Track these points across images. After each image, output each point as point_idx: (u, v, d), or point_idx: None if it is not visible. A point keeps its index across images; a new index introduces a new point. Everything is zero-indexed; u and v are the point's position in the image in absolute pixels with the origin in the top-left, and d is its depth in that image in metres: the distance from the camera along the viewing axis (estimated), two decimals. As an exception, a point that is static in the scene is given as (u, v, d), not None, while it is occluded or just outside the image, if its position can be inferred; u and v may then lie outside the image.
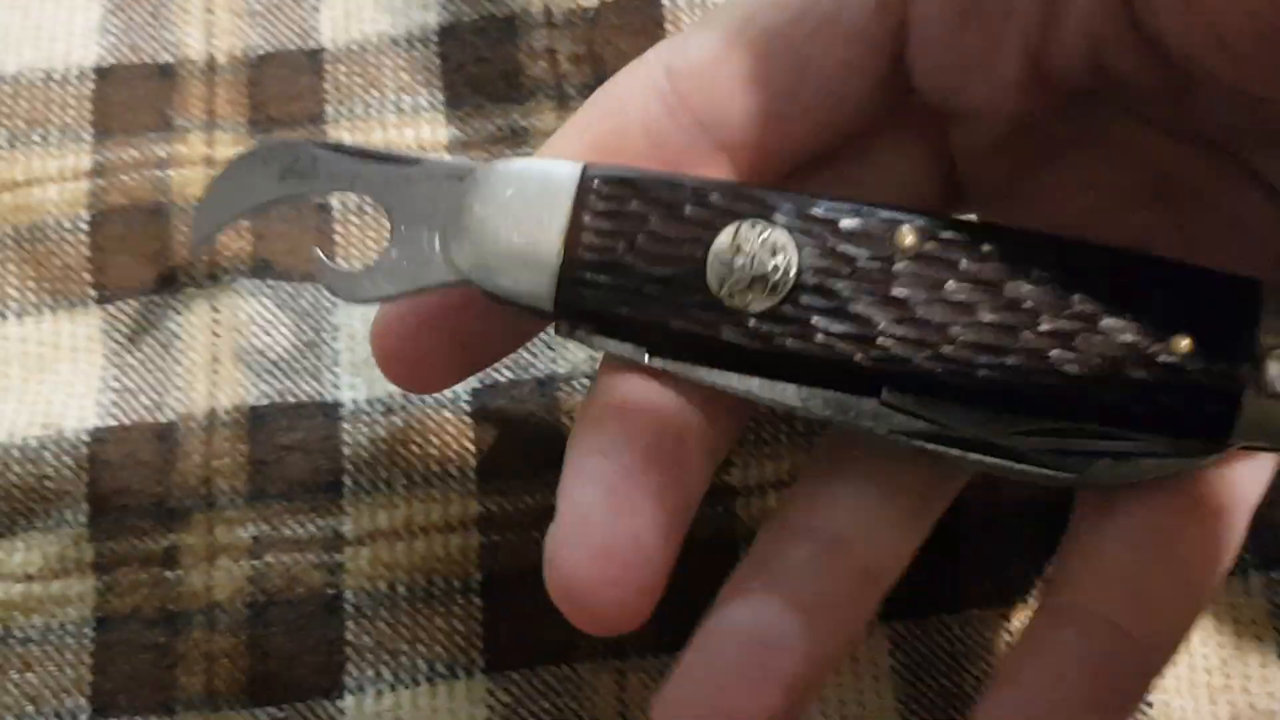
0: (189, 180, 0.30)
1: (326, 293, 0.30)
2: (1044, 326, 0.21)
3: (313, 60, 0.32)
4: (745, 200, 0.22)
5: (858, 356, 0.21)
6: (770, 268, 0.21)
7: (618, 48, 0.31)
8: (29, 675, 0.27)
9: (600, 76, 0.31)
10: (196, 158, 0.31)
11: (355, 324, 0.29)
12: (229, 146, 0.31)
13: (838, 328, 0.21)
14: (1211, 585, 0.24)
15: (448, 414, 0.29)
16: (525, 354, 0.29)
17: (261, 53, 0.32)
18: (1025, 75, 0.23)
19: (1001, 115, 0.24)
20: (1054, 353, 0.21)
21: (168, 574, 0.28)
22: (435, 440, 0.28)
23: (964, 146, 0.25)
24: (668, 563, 0.22)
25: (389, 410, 0.29)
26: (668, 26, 0.31)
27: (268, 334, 0.29)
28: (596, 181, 0.22)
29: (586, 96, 0.30)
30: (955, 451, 0.22)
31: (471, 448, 0.28)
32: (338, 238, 0.30)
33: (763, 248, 0.22)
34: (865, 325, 0.21)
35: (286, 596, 0.27)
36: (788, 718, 0.22)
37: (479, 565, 0.27)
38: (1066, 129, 0.24)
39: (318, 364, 0.29)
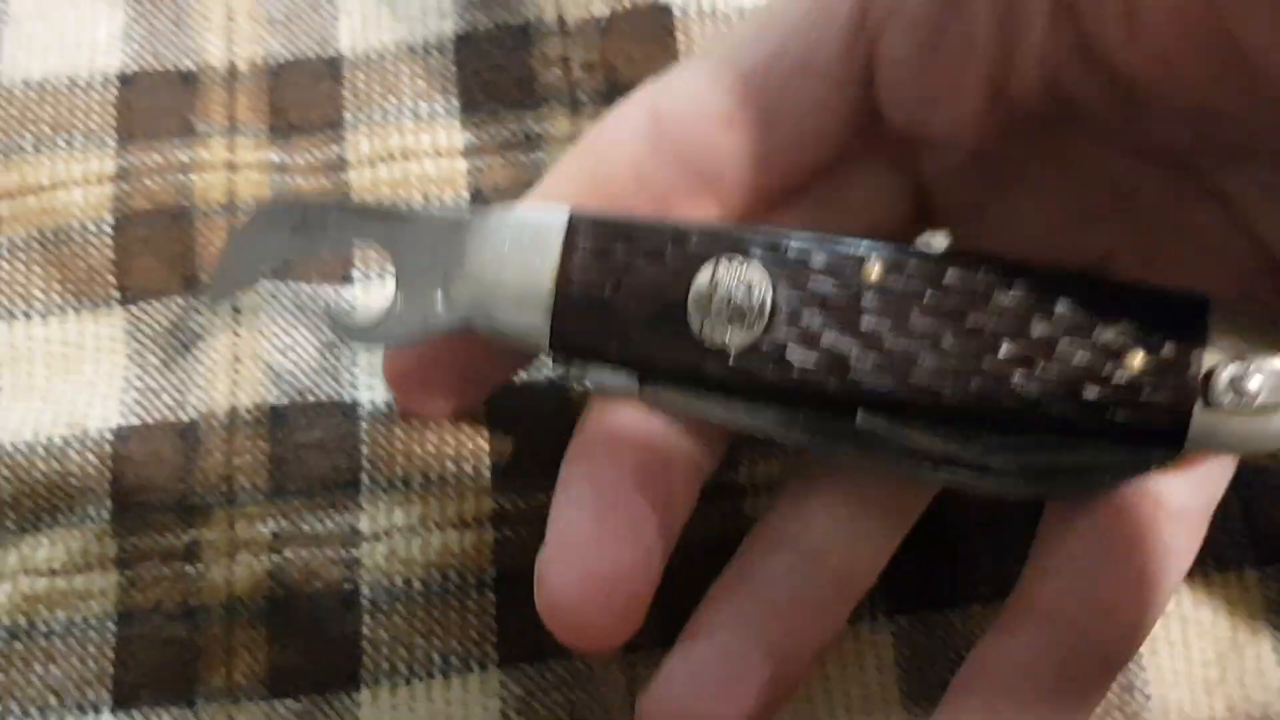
0: (211, 185, 0.31)
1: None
2: (1005, 352, 0.22)
3: (331, 67, 0.32)
4: (722, 241, 0.23)
5: (831, 385, 0.23)
6: (746, 305, 0.23)
7: (629, 55, 0.32)
8: (52, 668, 0.27)
9: (612, 83, 0.31)
10: (218, 162, 0.31)
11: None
12: (250, 151, 0.31)
13: (812, 359, 0.23)
14: (1169, 585, 0.25)
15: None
16: (538, 354, 0.29)
17: (282, 60, 0.32)
18: (987, 104, 0.24)
19: (966, 141, 0.25)
20: (1015, 376, 0.22)
21: (189, 569, 0.28)
22: (450, 439, 0.29)
23: (933, 171, 0.26)
24: (650, 585, 0.23)
25: (405, 411, 0.29)
26: (678, 35, 0.32)
27: (288, 334, 0.29)
28: (582, 228, 0.23)
29: (599, 103, 0.31)
30: (926, 467, 0.24)
31: (485, 446, 0.28)
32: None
33: (739, 286, 0.23)
34: (837, 356, 0.23)
35: (305, 591, 0.28)
36: (765, 716, 0.24)
37: (493, 561, 0.28)
38: (1029, 151, 0.25)
39: (336, 365, 0.29)
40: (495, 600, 0.28)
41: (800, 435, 0.24)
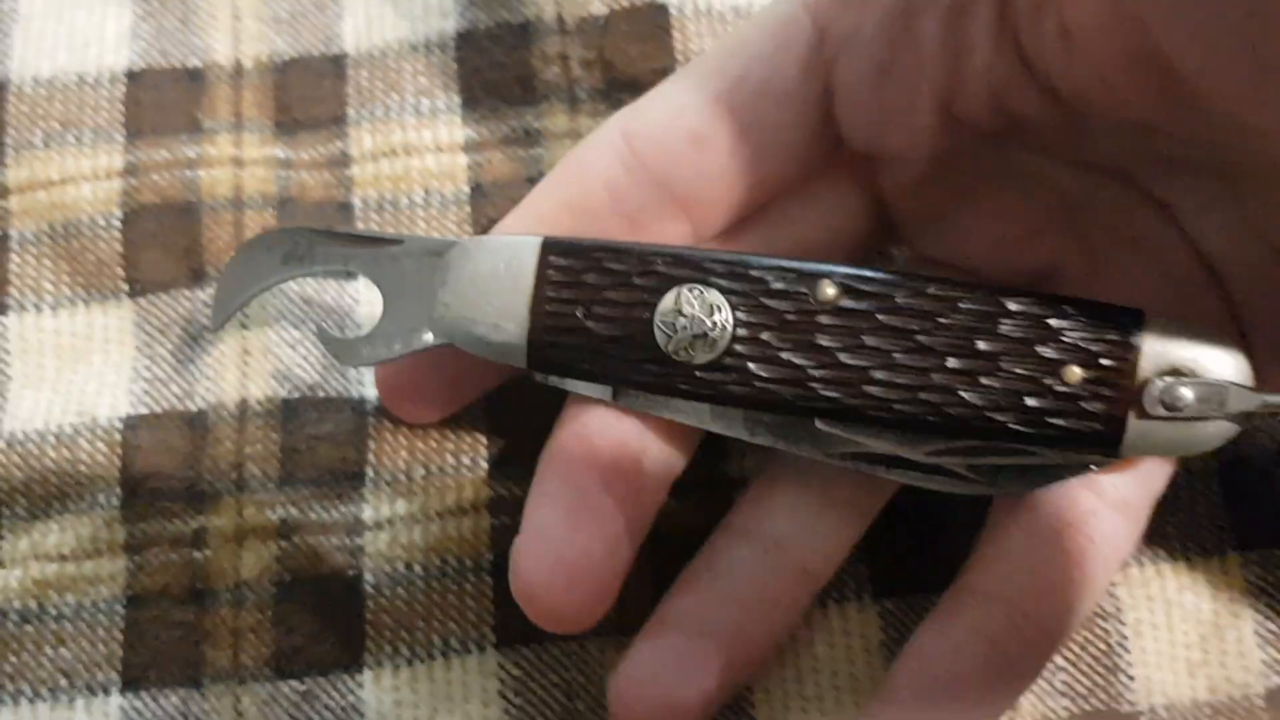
0: (217, 180, 0.31)
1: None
2: (951, 365, 0.24)
3: (336, 65, 0.32)
4: (686, 265, 0.24)
5: (790, 397, 0.24)
6: (709, 325, 0.24)
7: (627, 53, 0.32)
8: (63, 650, 0.28)
9: (610, 81, 0.32)
10: (224, 158, 0.31)
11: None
12: (256, 147, 0.31)
13: (772, 374, 0.24)
14: (1108, 571, 0.26)
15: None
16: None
17: (287, 58, 0.33)
18: (938, 122, 0.25)
19: (920, 157, 0.26)
20: (961, 388, 0.24)
21: (196, 554, 0.28)
22: (450, 431, 0.29)
23: (891, 186, 0.27)
24: (617, 572, 0.25)
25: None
26: (674, 33, 0.32)
27: (296, 329, 0.30)
28: (554, 255, 0.25)
29: (597, 100, 0.32)
30: (881, 468, 0.25)
31: (483, 436, 0.29)
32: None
33: (702, 308, 0.24)
34: (796, 370, 0.24)
35: (310, 576, 0.28)
36: (724, 696, 0.25)
37: (490, 546, 0.28)
38: (980, 167, 0.26)
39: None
40: (493, 584, 0.28)
41: (765, 437, 0.25)
